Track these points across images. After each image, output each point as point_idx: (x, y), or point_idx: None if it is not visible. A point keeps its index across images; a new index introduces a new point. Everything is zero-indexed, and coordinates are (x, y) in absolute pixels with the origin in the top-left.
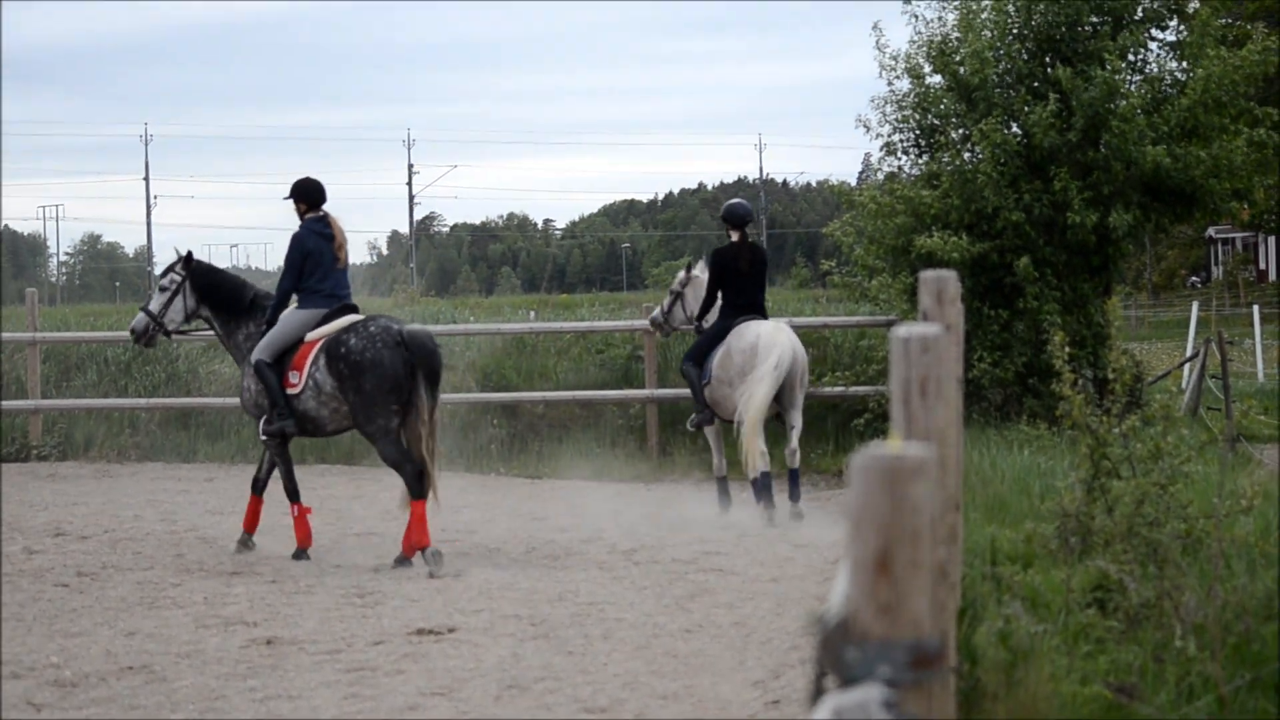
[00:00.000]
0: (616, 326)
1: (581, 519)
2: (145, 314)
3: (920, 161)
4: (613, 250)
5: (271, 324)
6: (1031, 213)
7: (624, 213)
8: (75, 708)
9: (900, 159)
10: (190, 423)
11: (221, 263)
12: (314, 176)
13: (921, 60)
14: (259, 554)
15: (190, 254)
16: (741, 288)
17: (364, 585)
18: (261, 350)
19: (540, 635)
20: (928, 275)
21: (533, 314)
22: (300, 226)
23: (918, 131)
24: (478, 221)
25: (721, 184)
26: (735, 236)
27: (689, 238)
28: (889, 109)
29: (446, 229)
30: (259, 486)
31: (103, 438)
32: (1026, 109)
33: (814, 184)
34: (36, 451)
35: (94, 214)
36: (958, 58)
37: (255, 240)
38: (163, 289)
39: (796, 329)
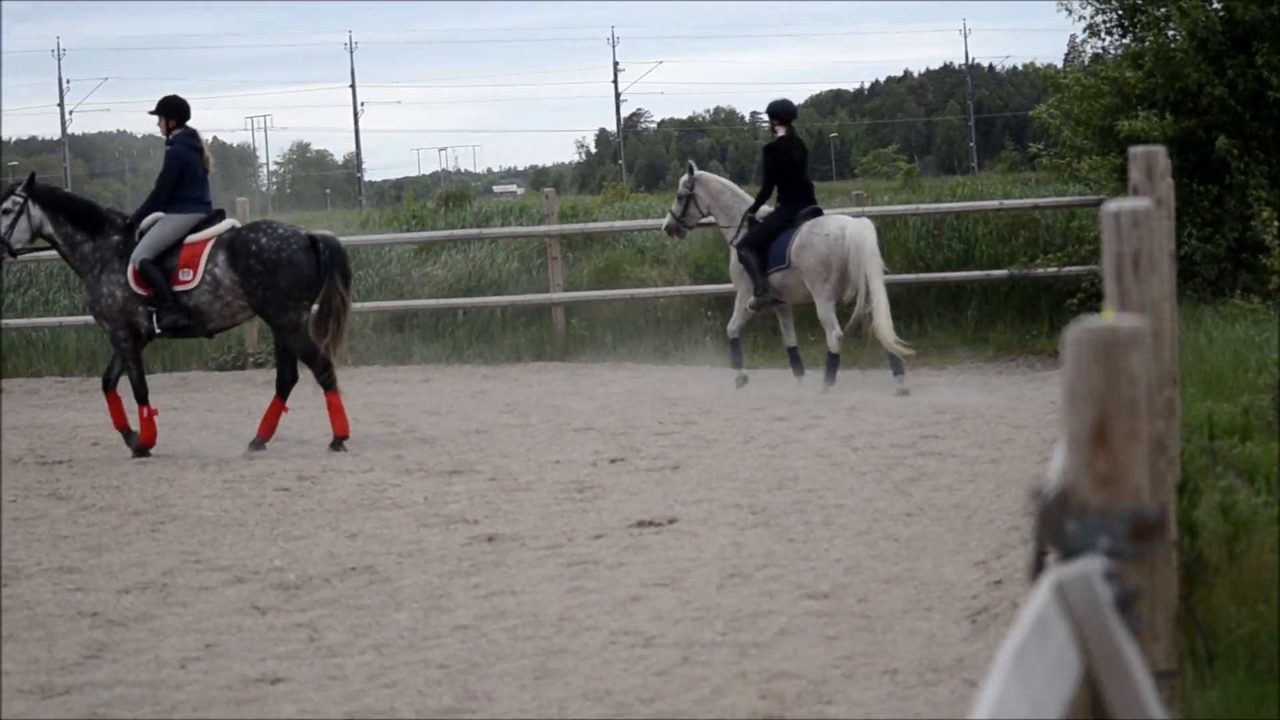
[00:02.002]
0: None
1: (798, 406)
2: None
3: (1123, 42)
4: (820, 140)
5: (131, 230)
6: (1235, 88)
7: (830, 103)
8: (299, 609)
9: (1104, 40)
10: (405, 325)
11: (430, 166)
12: (179, 95)
13: None
14: (479, 451)
15: (34, 175)
16: (797, 178)
17: (583, 480)
18: (144, 251)
19: (761, 523)
20: (1137, 151)
21: None
22: (175, 142)
23: (1120, 12)
24: (684, 117)
25: (927, 70)
26: (783, 131)
27: (896, 125)
28: None
29: (653, 125)
30: (109, 384)
31: None
32: None
33: (1019, 68)
34: (253, 359)
35: (302, 123)
36: None
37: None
38: (5, 211)
39: (1005, 212)
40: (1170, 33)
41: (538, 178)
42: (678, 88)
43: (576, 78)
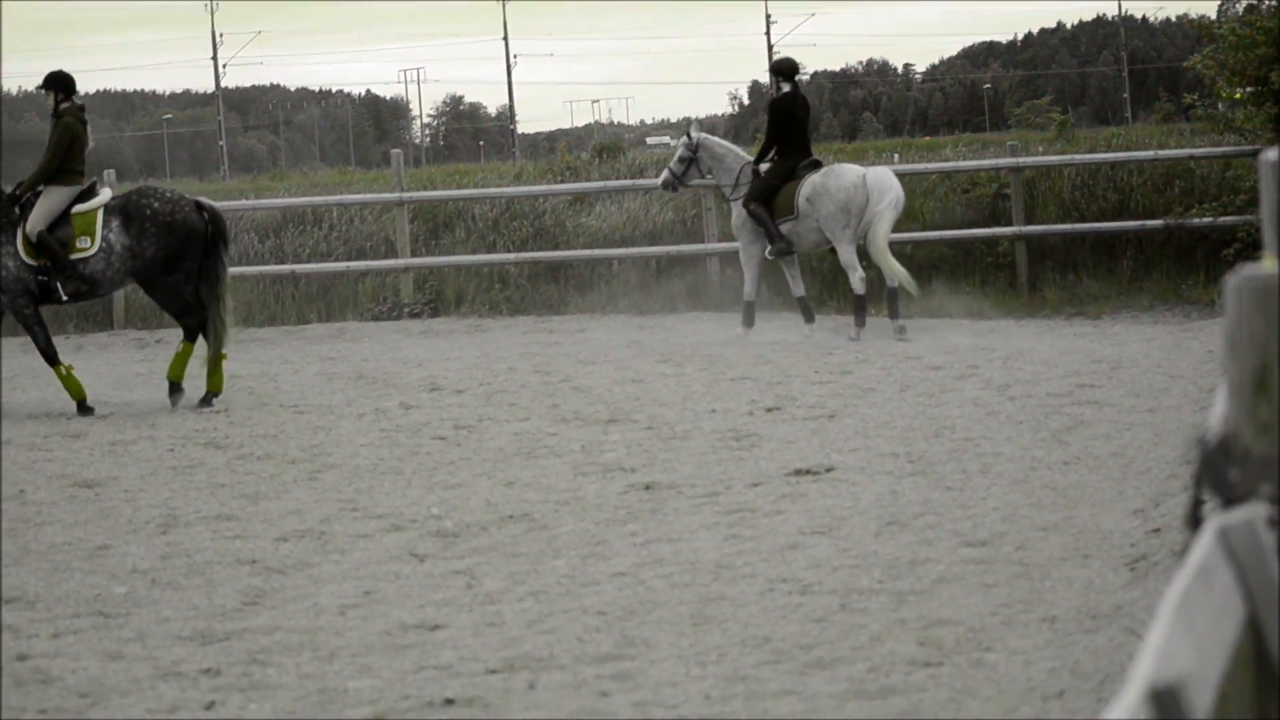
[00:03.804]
0: (981, 165)
1: (954, 355)
2: None
3: None
4: (973, 92)
5: (15, 201)
6: None
7: (984, 54)
8: (457, 556)
9: None
10: (559, 275)
11: (583, 119)
12: (64, 69)
13: None
14: (635, 401)
15: None
16: (800, 132)
17: (740, 429)
18: (39, 222)
19: (918, 472)
20: None
21: (896, 156)
22: (66, 114)
23: None
24: (837, 68)
25: (1080, 21)
26: (787, 88)
27: (1050, 77)
28: None
29: (806, 77)
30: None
31: (473, 293)
32: None
33: (1173, 19)
34: (409, 309)
35: (455, 75)
36: None
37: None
38: None
39: (1160, 162)
40: None
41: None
42: (830, 39)
43: (729, 30)
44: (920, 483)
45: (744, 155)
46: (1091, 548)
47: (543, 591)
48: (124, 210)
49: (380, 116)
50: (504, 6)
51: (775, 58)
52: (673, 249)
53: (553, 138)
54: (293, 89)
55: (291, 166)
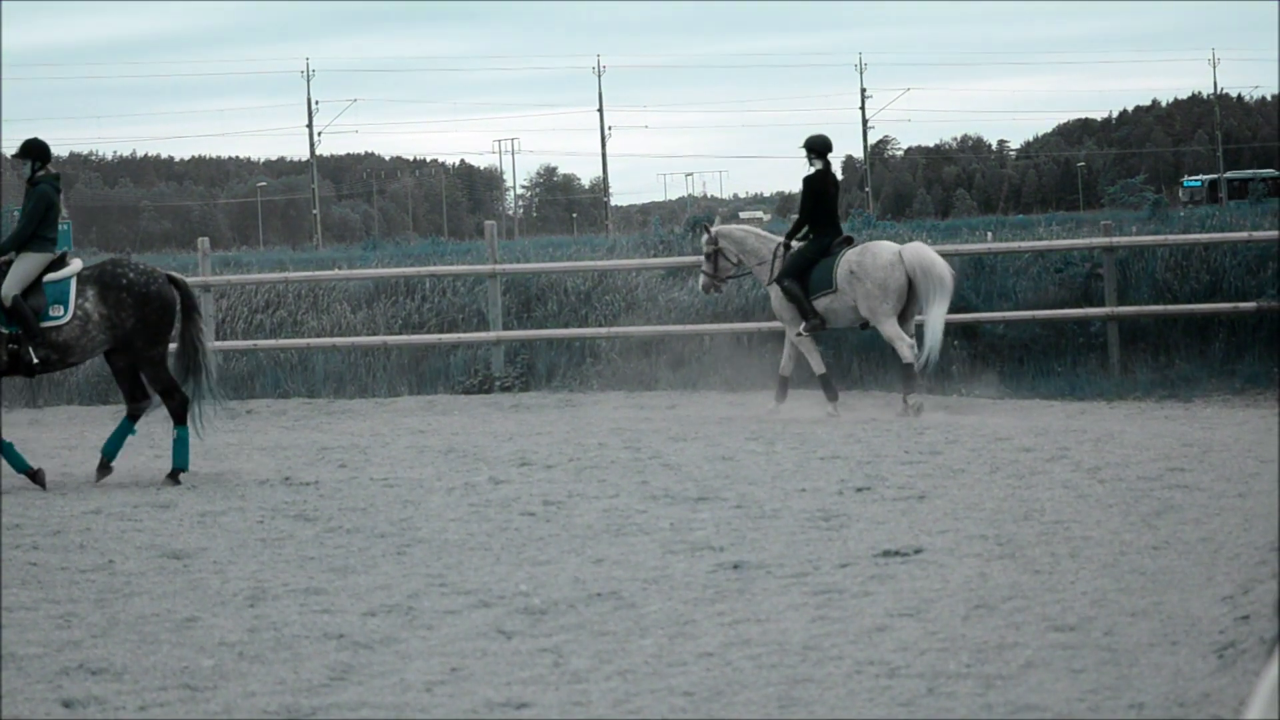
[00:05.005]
0: (1075, 245)
1: (1045, 437)
2: None
3: None
4: (1067, 169)
5: None
6: None
7: (1078, 131)
8: (545, 634)
9: None
10: (651, 350)
11: (676, 191)
12: (40, 138)
13: None
14: (724, 479)
15: None
16: (830, 210)
17: (829, 508)
18: (13, 288)
19: (1007, 555)
20: None
21: (990, 234)
22: (41, 183)
23: None
24: (931, 144)
25: (1175, 100)
26: (819, 165)
27: (1143, 155)
28: None
29: (900, 152)
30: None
31: (565, 367)
32: None
33: (1269, 98)
34: (500, 382)
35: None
36: None
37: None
38: None
39: (1255, 242)
40: None
41: (784, 203)
42: (925, 115)
43: (824, 104)
44: (1009, 565)
45: (766, 235)
46: (1180, 634)
47: (630, 671)
48: (100, 280)
49: (474, 186)
50: (599, 77)
51: (809, 135)
52: (764, 325)
53: (646, 210)
54: (387, 157)
55: (385, 236)
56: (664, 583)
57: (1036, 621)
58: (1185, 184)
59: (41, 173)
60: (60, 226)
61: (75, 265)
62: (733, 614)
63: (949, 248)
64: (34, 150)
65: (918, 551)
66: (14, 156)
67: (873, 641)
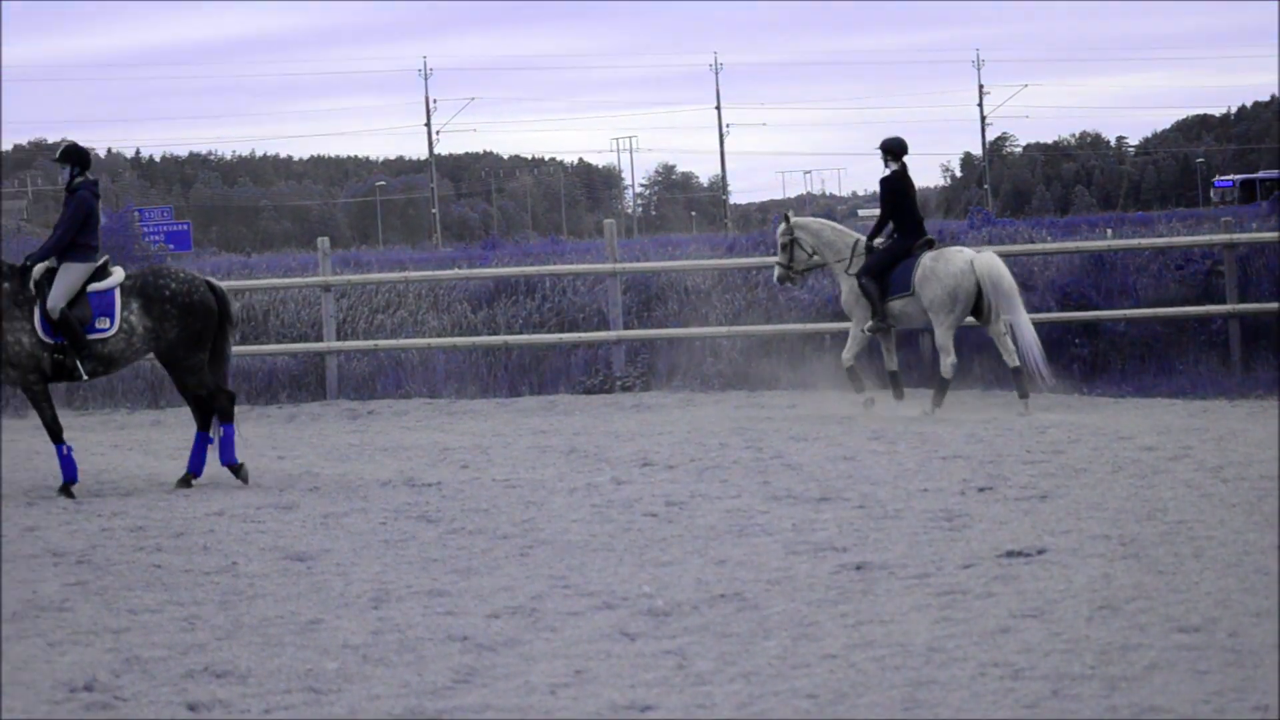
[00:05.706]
0: (1195, 241)
1: (1167, 436)
2: None
3: None
4: (1187, 166)
5: (25, 274)
6: None
7: (1197, 127)
8: (668, 635)
9: None
10: (772, 349)
11: (795, 189)
12: (79, 142)
13: None
14: (846, 479)
15: None
16: (910, 210)
17: (951, 508)
18: (59, 300)
19: (1130, 555)
20: None
21: (1109, 231)
22: (80, 188)
23: None
24: (1050, 141)
25: None
26: (895, 166)
27: (1262, 151)
28: None
29: (1019, 149)
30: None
31: (685, 366)
32: None
33: None
34: (621, 382)
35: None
36: None
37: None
38: None
39: None
40: None
41: None
42: (1043, 111)
43: (941, 101)
44: (1132, 566)
45: (843, 229)
46: None
47: (754, 673)
48: (143, 292)
49: (592, 185)
50: (717, 75)
51: (886, 137)
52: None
53: (764, 208)
54: (505, 156)
55: (504, 235)
56: (787, 584)
57: (1160, 622)
58: (1215, 184)
59: (80, 178)
60: (178, 226)
61: (118, 274)
62: (856, 615)
63: (1070, 245)
64: (73, 155)
65: (1041, 552)
66: (54, 160)
67: (996, 643)
